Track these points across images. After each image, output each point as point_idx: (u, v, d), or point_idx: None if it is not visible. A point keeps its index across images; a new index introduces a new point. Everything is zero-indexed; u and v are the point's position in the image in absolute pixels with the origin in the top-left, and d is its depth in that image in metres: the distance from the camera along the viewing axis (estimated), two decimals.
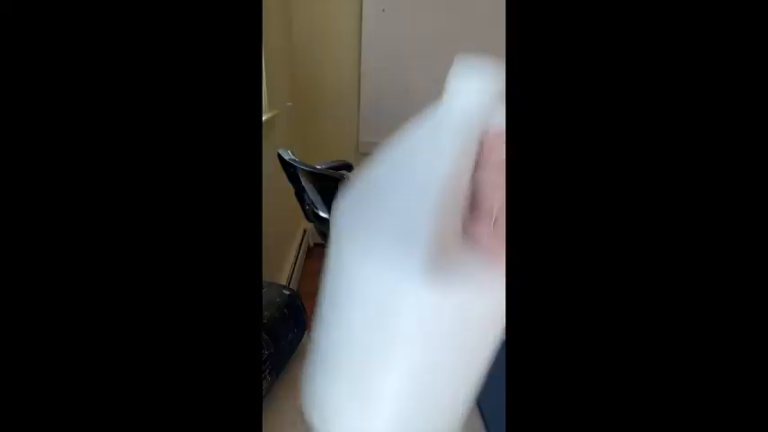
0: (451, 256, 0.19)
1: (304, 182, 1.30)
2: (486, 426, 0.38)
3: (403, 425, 0.23)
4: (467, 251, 0.19)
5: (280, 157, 1.27)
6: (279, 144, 1.58)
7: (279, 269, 1.75)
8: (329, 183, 1.13)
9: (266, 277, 1.49)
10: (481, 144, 0.20)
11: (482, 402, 0.38)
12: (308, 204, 1.41)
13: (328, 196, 1.20)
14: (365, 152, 2.21)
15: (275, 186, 1.55)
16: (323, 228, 1.37)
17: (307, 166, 1.15)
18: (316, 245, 2.30)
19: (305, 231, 2.25)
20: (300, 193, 1.39)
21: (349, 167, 1.54)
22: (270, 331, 0.49)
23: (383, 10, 1.91)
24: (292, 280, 1.87)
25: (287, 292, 0.56)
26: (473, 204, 0.20)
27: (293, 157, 1.23)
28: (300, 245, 2.12)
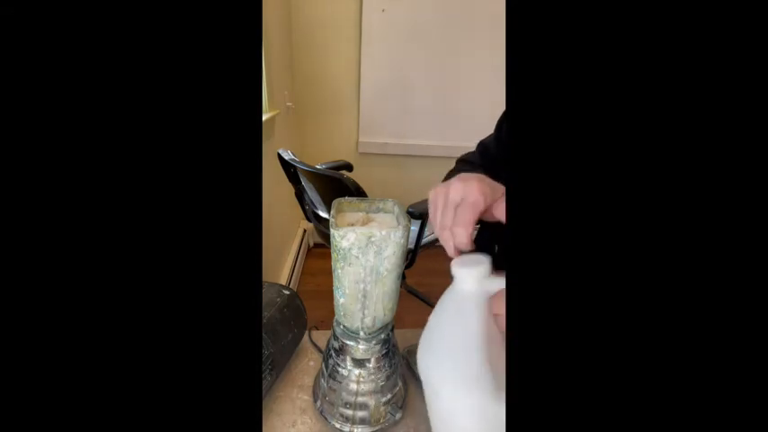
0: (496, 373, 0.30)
1: (304, 182, 1.30)
2: None
3: None
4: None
5: (280, 157, 1.27)
6: (279, 144, 1.58)
7: (279, 269, 1.75)
8: (329, 183, 1.14)
9: (266, 277, 1.48)
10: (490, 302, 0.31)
11: None
12: (308, 204, 1.41)
13: (328, 196, 1.20)
14: (365, 152, 2.21)
15: (275, 186, 1.55)
16: (323, 228, 1.37)
17: (307, 166, 1.15)
18: (316, 245, 2.30)
19: (305, 231, 2.25)
20: (300, 193, 1.39)
21: (349, 167, 1.54)
22: (270, 331, 0.49)
23: (383, 10, 1.91)
24: (292, 280, 1.87)
25: (287, 292, 0.56)
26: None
27: (293, 157, 1.23)
28: (300, 245, 2.12)
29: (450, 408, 0.34)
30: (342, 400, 0.46)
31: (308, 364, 0.56)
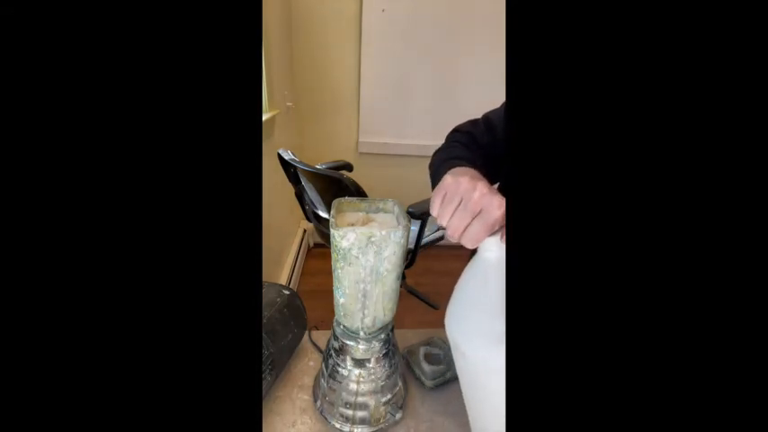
0: None
1: (304, 182, 1.30)
2: None
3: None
4: None
5: (280, 157, 1.27)
6: (279, 144, 1.58)
7: (279, 269, 1.75)
8: (329, 183, 1.13)
9: (266, 277, 1.48)
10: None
11: None
12: (308, 204, 1.41)
13: (328, 196, 1.20)
14: (365, 152, 2.21)
15: (275, 186, 1.55)
16: (323, 228, 1.37)
17: (307, 166, 1.15)
18: (316, 245, 2.30)
19: (305, 231, 2.25)
20: (300, 193, 1.39)
21: (349, 167, 1.54)
22: (270, 331, 0.49)
23: (383, 10, 1.91)
24: (292, 280, 1.87)
25: (287, 292, 0.56)
26: None
27: (293, 157, 1.23)
28: (300, 245, 2.12)
29: (477, 368, 0.37)
30: (342, 400, 0.46)
31: (307, 364, 0.56)
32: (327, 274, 0.42)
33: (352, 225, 0.41)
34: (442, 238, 1.51)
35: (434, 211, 0.36)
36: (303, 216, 1.48)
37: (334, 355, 0.47)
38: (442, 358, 0.56)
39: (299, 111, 2.09)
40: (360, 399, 0.45)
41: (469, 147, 0.57)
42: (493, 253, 0.34)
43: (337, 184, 1.08)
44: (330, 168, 1.31)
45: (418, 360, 0.55)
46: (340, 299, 0.43)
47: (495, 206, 0.32)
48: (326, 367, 0.48)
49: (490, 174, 0.43)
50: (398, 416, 0.48)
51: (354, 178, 1.08)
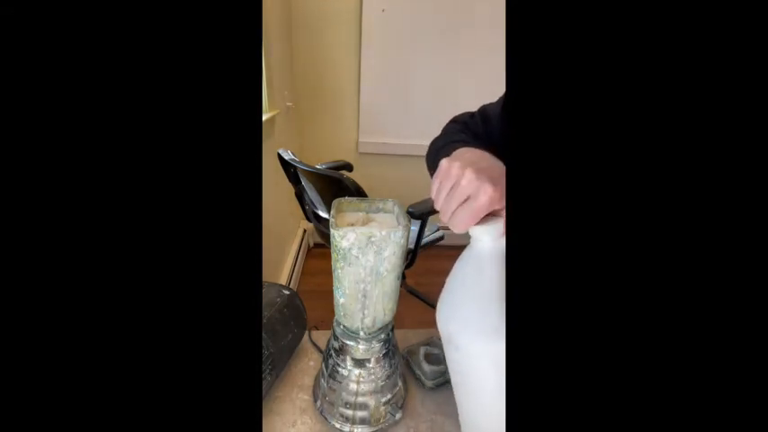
0: None
1: (304, 182, 1.30)
2: None
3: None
4: None
5: (280, 157, 1.27)
6: (279, 144, 1.58)
7: (279, 269, 1.75)
8: (329, 183, 1.13)
9: (266, 277, 1.48)
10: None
11: None
12: (308, 204, 1.41)
13: (328, 196, 1.20)
14: (365, 152, 2.21)
15: (275, 186, 1.55)
16: (323, 228, 1.37)
17: (307, 166, 1.15)
18: (316, 245, 2.30)
19: (305, 231, 2.25)
20: (300, 193, 1.39)
21: (349, 167, 1.54)
22: (270, 331, 0.49)
23: (383, 10, 1.91)
24: (292, 280, 1.87)
25: (287, 292, 0.56)
26: None
27: (293, 157, 1.23)
28: (300, 245, 2.12)
29: (470, 360, 0.36)
30: (342, 400, 0.46)
31: (308, 364, 0.56)
32: (327, 274, 0.42)
33: (352, 225, 0.41)
34: (442, 238, 1.51)
35: (432, 195, 0.37)
36: (303, 216, 1.48)
37: (334, 355, 0.47)
38: (442, 358, 0.56)
39: (298, 111, 2.09)
40: (360, 399, 0.45)
41: (466, 134, 0.57)
42: (484, 243, 0.34)
43: (337, 184, 1.08)
44: (330, 168, 1.31)
45: (418, 360, 0.55)
46: (340, 299, 0.43)
47: (482, 193, 0.32)
48: (326, 367, 0.48)
49: None
50: (398, 416, 0.48)
51: (354, 178, 1.08)
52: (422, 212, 1.12)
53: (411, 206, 1.12)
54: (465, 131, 0.58)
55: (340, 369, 0.46)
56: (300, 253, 2.09)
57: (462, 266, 0.36)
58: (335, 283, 0.42)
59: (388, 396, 0.47)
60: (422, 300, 1.54)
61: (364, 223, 0.42)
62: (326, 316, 0.50)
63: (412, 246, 1.24)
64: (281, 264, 1.80)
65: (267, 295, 0.54)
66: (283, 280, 1.76)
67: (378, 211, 0.45)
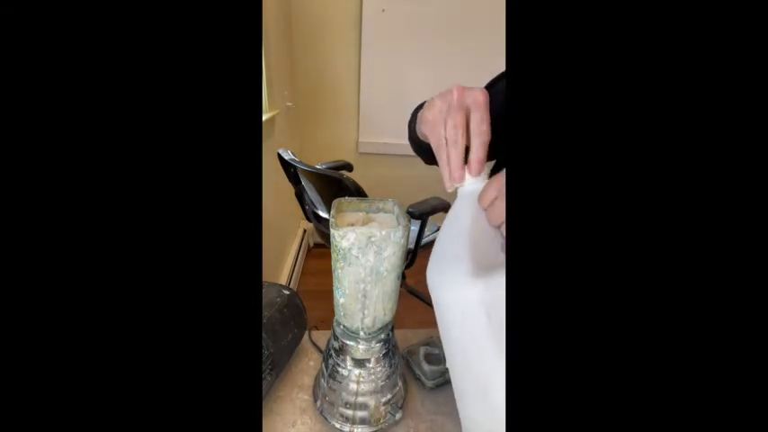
0: (485, 267, 0.30)
1: (304, 182, 1.30)
2: None
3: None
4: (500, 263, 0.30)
5: (280, 157, 1.27)
6: (279, 144, 1.58)
7: (279, 269, 1.75)
8: (329, 183, 1.13)
9: (266, 277, 1.48)
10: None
11: None
12: (308, 204, 1.41)
13: (328, 196, 1.20)
14: (365, 152, 2.21)
15: (275, 186, 1.55)
16: (323, 228, 1.37)
17: (307, 166, 1.15)
18: (316, 245, 2.30)
19: (305, 231, 2.25)
20: (300, 193, 1.39)
21: (349, 167, 1.54)
22: (270, 331, 0.49)
23: (383, 10, 1.91)
24: (292, 280, 1.87)
25: (287, 292, 0.56)
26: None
27: (293, 157, 1.23)
28: (300, 245, 2.12)
29: (450, 307, 0.34)
30: (342, 400, 0.46)
31: (308, 364, 0.56)
32: (327, 274, 0.42)
33: (352, 225, 0.41)
34: None
35: (426, 129, 0.36)
36: (303, 216, 1.48)
37: (334, 355, 0.47)
38: (442, 358, 0.56)
39: (298, 111, 2.09)
40: (360, 399, 0.45)
41: None
42: (465, 187, 0.33)
43: (337, 184, 1.08)
44: (330, 168, 1.31)
45: (418, 360, 0.55)
46: (340, 299, 0.43)
47: (477, 93, 0.32)
48: (326, 367, 0.48)
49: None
50: (398, 416, 0.48)
51: (354, 178, 1.08)
52: (422, 212, 1.12)
53: (411, 206, 1.12)
54: None
55: (340, 369, 0.46)
56: (300, 253, 2.09)
57: (446, 220, 0.36)
58: (335, 283, 0.42)
59: (388, 396, 0.47)
60: (422, 300, 1.54)
61: (364, 223, 0.42)
62: (326, 316, 0.50)
63: (412, 246, 1.24)
64: (281, 264, 1.80)
65: (267, 295, 0.54)
66: (283, 280, 1.76)
67: (378, 211, 0.45)
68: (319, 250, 2.27)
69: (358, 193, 1.06)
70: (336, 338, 0.46)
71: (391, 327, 0.47)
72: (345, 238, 0.37)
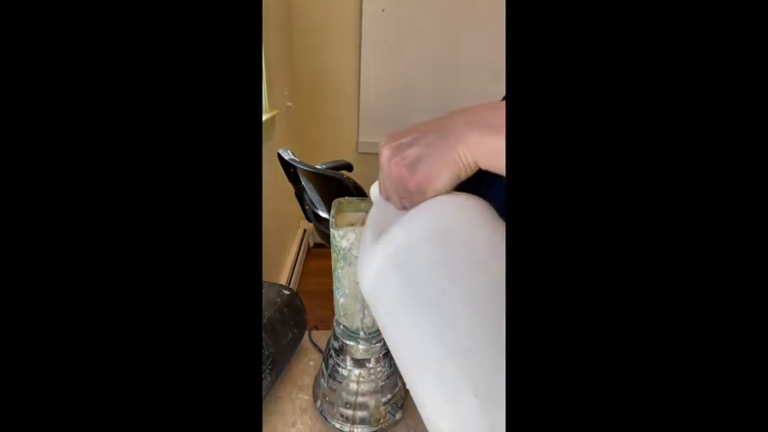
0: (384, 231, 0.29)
1: (304, 182, 1.30)
2: None
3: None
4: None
5: (280, 157, 1.27)
6: (279, 144, 1.58)
7: (279, 269, 1.76)
8: (329, 183, 1.13)
9: (266, 277, 1.48)
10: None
11: None
12: (308, 204, 1.41)
13: (328, 196, 1.20)
14: (365, 152, 2.21)
15: (275, 186, 1.55)
16: (323, 228, 1.37)
17: (307, 166, 1.16)
18: (316, 245, 2.30)
19: (305, 231, 2.25)
20: (300, 193, 1.39)
21: (349, 167, 1.54)
22: (270, 331, 0.49)
23: (383, 10, 1.91)
24: (292, 280, 1.87)
25: (287, 292, 0.56)
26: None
27: (293, 157, 1.23)
28: (300, 245, 2.12)
29: (372, 304, 0.30)
30: (342, 400, 0.46)
31: (308, 364, 0.56)
32: (327, 274, 0.42)
33: (352, 225, 0.41)
34: None
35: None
36: (303, 216, 1.48)
37: (334, 355, 0.47)
38: None
39: (298, 111, 2.09)
40: (360, 399, 0.45)
41: None
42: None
43: (337, 184, 1.08)
44: (330, 168, 1.31)
45: None
46: (340, 299, 0.43)
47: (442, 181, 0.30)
48: (326, 367, 0.48)
49: None
50: (398, 416, 0.48)
51: (354, 178, 1.08)
52: None
53: None
54: None
55: (340, 369, 0.46)
56: (300, 253, 2.09)
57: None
58: (335, 283, 0.42)
59: (388, 396, 0.47)
60: None
61: (364, 223, 0.42)
62: (326, 316, 0.50)
63: None
64: (281, 264, 1.80)
65: (267, 295, 0.54)
66: (283, 280, 1.76)
67: None
68: (319, 250, 2.27)
69: (358, 193, 1.06)
70: (336, 338, 0.46)
71: None
72: (345, 238, 0.37)
